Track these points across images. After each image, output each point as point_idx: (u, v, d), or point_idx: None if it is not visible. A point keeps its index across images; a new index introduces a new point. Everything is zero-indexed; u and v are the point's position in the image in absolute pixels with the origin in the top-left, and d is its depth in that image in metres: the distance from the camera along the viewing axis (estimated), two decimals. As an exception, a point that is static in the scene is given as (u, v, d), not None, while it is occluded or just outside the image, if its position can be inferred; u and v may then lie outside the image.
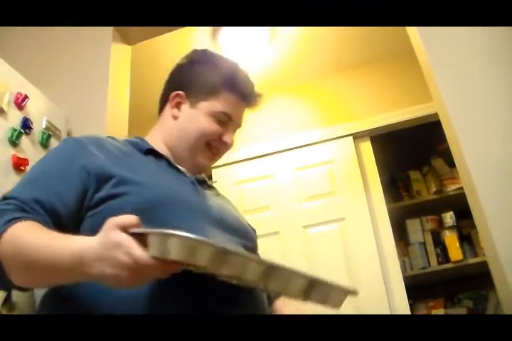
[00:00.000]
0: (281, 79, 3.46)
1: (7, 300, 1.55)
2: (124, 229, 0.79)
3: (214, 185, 1.41)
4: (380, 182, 3.06)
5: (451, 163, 3.16)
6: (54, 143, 2.01)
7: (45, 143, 1.94)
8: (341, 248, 2.90)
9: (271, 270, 0.82)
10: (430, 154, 3.44)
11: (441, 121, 1.98)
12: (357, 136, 3.19)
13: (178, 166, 1.27)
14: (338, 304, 0.93)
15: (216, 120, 1.30)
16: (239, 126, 1.38)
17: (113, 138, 1.28)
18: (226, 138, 1.32)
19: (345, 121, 3.23)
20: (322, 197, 3.08)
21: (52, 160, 1.13)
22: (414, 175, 3.44)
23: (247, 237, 1.23)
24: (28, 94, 1.89)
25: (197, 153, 1.30)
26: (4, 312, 1.51)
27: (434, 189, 3.27)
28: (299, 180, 3.17)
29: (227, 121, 1.32)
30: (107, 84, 2.26)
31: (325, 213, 3.04)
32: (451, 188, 3.17)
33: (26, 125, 1.85)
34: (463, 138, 1.78)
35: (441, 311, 3.07)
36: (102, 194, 1.06)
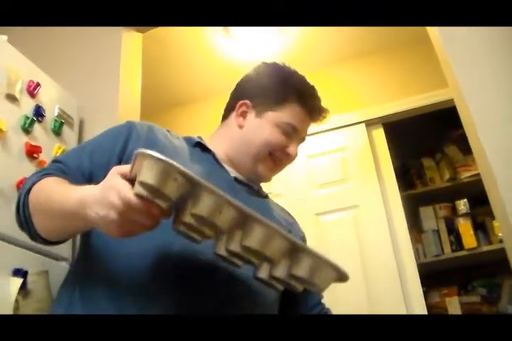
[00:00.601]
0: (293, 66, 3.43)
1: (23, 287, 1.56)
2: (124, 175, 0.84)
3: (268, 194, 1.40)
4: (392, 170, 3.04)
5: (464, 150, 3.14)
6: (66, 130, 2.01)
7: (57, 131, 1.94)
8: (354, 235, 2.89)
9: (246, 218, 0.83)
10: (443, 141, 3.41)
11: (457, 106, 1.96)
12: (369, 123, 3.16)
13: (223, 163, 1.27)
14: (324, 283, 0.87)
15: (282, 131, 1.28)
16: (303, 139, 1.36)
17: (169, 131, 1.28)
18: (290, 150, 1.30)
19: (358, 109, 3.21)
20: (335, 185, 3.06)
21: (103, 135, 1.21)
22: (428, 162, 3.42)
23: None
24: (40, 82, 1.89)
25: (259, 163, 1.29)
26: (20, 298, 1.52)
27: (447, 176, 3.24)
28: (311, 168, 3.15)
29: (292, 133, 1.30)
30: (118, 71, 2.25)
31: (338, 201, 3.02)
32: (464, 175, 3.14)
33: (39, 113, 1.85)
34: (479, 124, 1.75)
35: (455, 299, 3.06)
36: None
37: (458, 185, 3.18)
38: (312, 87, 1.38)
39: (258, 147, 1.28)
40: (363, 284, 2.71)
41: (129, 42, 2.42)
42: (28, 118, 1.78)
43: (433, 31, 2.03)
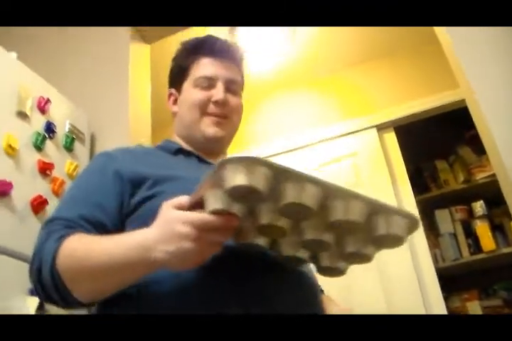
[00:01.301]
0: (302, 73, 3.43)
1: (40, 306, 1.54)
2: (178, 207, 0.82)
3: None
4: (406, 173, 3.01)
5: (478, 151, 3.10)
6: (78, 146, 2.00)
7: (69, 147, 1.93)
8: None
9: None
10: (456, 142, 3.37)
11: (469, 107, 1.94)
12: (381, 127, 3.14)
13: (208, 160, 1.25)
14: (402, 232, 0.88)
15: (201, 88, 1.26)
16: (234, 81, 1.30)
17: (141, 145, 1.29)
18: (215, 97, 1.24)
19: (368, 113, 3.18)
20: (348, 191, 3.03)
21: (87, 175, 1.14)
22: (441, 164, 3.38)
23: None
24: (50, 98, 1.89)
25: (199, 125, 1.25)
26: (38, 318, 1.50)
27: (462, 178, 3.20)
28: (324, 174, 3.13)
29: (212, 83, 1.26)
30: (127, 84, 2.25)
31: (352, 207, 2.99)
32: (480, 177, 3.10)
33: (50, 129, 1.85)
34: (493, 124, 1.73)
35: (476, 303, 3.01)
36: (137, 198, 1.05)
37: (473, 186, 3.14)
38: (200, 38, 1.34)
39: (188, 114, 1.26)
40: (381, 291, 2.68)
41: (137, 54, 2.42)
42: (39, 135, 1.78)
43: (442, 32, 2.01)
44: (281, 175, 0.79)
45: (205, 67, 1.27)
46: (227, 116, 1.27)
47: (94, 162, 1.18)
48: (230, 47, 1.33)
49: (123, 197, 1.05)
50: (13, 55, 1.87)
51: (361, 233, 0.89)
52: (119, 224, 1.04)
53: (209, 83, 1.26)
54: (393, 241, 0.89)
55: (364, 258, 0.96)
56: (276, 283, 0.97)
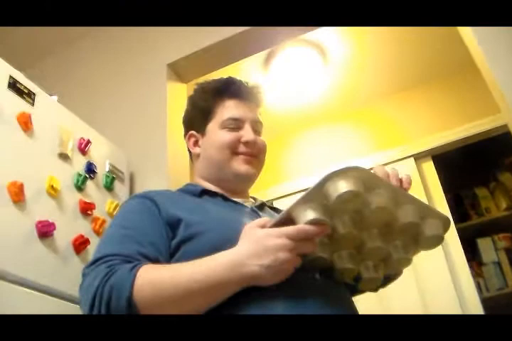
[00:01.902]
0: (336, 106, 3.44)
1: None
2: (262, 227, 0.90)
3: (275, 205, 1.42)
4: (446, 202, 2.97)
5: (520, 178, 3.05)
6: (118, 185, 2.04)
7: (109, 186, 1.98)
8: (411, 272, 2.81)
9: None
10: (496, 169, 3.32)
11: (512, 131, 1.91)
12: (418, 157, 3.11)
13: (234, 199, 1.27)
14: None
15: (228, 129, 1.29)
16: (258, 122, 1.35)
17: (169, 190, 1.33)
18: (245, 137, 1.28)
19: (405, 143, 3.17)
20: (388, 222, 3.00)
21: (131, 215, 1.14)
22: (481, 192, 3.32)
23: None
24: (90, 139, 1.94)
25: (229, 165, 1.28)
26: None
27: (504, 205, 3.14)
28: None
29: (240, 124, 1.30)
30: (165, 123, 2.29)
31: (391, 237, 2.96)
32: (523, 203, 3.04)
33: (90, 169, 1.89)
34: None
35: (523, 334, 2.91)
36: (177, 239, 1.07)
37: (516, 213, 3.08)
38: (225, 78, 1.38)
39: (218, 154, 1.29)
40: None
41: (174, 94, 2.47)
42: (80, 175, 1.82)
43: (478, 55, 1.99)
44: (372, 182, 0.92)
45: (231, 109, 1.32)
46: (256, 155, 1.32)
47: (133, 203, 1.19)
48: (252, 89, 1.37)
49: (168, 238, 1.07)
50: (54, 98, 1.93)
51: (406, 237, 1.01)
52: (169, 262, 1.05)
53: (237, 124, 1.30)
54: (435, 241, 1.01)
55: (406, 264, 1.05)
56: (326, 307, 0.98)
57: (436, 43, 3.02)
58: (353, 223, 0.94)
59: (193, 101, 1.41)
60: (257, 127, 1.34)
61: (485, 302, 2.72)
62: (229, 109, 1.32)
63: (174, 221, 1.08)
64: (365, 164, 3.13)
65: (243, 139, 1.28)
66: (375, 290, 1.15)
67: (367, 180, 0.91)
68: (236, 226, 1.06)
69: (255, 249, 0.87)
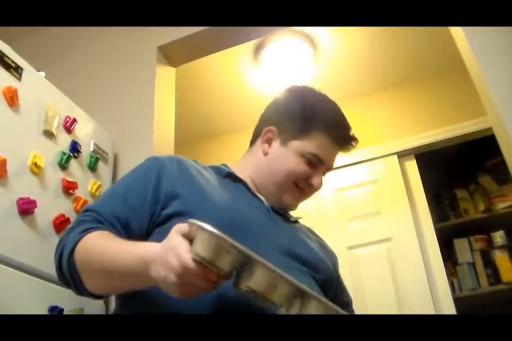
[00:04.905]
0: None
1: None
2: (185, 235, 0.83)
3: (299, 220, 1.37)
4: (426, 201, 2.99)
5: (499, 181, 3.09)
6: (101, 166, 2.02)
7: (93, 167, 1.95)
8: (388, 269, 2.83)
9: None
10: (476, 172, 3.35)
11: (496, 135, 1.92)
12: (401, 155, 3.14)
13: (256, 192, 1.26)
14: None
15: (306, 161, 1.25)
16: (329, 168, 1.32)
17: (196, 161, 1.28)
18: (314, 180, 1.27)
19: (390, 140, 3.19)
20: (367, 218, 3.03)
21: (132, 176, 1.19)
22: (461, 193, 3.36)
23: (317, 269, 1.19)
24: (76, 118, 1.90)
25: (284, 192, 1.27)
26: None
27: (482, 207, 3.18)
28: (343, 201, 3.12)
29: (317, 163, 1.26)
30: (152, 106, 2.27)
31: (370, 234, 2.98)
32: (500, 206, 3.08)
33: (75, 148, 1.86)
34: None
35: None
36: (168, 211, 1.08)
37: (493, 216, 3.11)
38: (341, 116, 1.33)
39: (282, 177, 1.26)
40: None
41: (163, 77, 2.44)
42: (64, 154, 1.79)
43: (469, 59, 2.00)
44: (250, 259, 0.80)
45: (324, 149, 1.27)
46: (310, 195, 1.32)
47: (143, 165, 1.21)
48: (351, 140, 1.32)
49: (156, 206, 1.09)
50: (42, 74, 1.89)
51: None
52: (144, 231, 1.09)
53: (316, 163, 1.26)
54: None
55: None
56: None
57: (425, 43, 3.03)
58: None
59: (300, 104, 1.32)
60: (327, 172, 1.33)
61: (457, 301, 2.75)
62: (321, 147, 1.26)
63: (173, 193, 1.10)
64: (351, 159, 3.16)
65: (311, 181, 1.26)
66: None
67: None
68: (238, 215, 1.08)
69: (161, 256, 0.83)
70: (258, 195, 1.26)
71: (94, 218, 1.06)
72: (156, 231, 1.09)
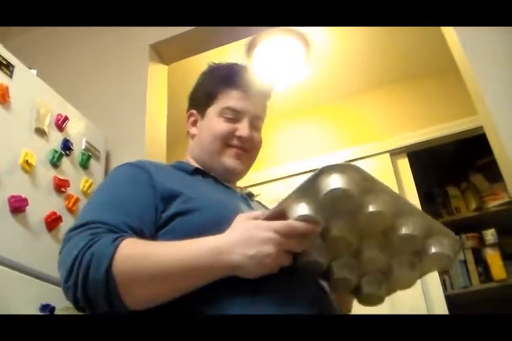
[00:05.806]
0: (315, 98, 3.45)
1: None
2: (255, 219, 0.90)
3: (258, 198, 1.40)
4: (418, 199, 3.00)
5: (491, 179, 3.10)
6: (93, 164, 2.01)
7: (84, 164, 1.94)
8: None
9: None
10: (468, 170, 3.36)
11: (487, 133, 1.93)
12: (394, 153, 3.14)
13: (225, 183, 1.26)
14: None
15: (226, 119, 1.27)
16: (259, 117, 1.32)
17: (163, 163, 1.29)
18: (240, 132, 1.26)
19: (382, 138, 3.19)
20: (360, 215, 3.02)
21: (121, 184, 1.10)
22: (453, 191, 3.36)
23: None
24: (68, 115, 1.90)
25: (221, 157, 1.26)
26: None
27: (473, 205, 3.18)
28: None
29: (238, 116, 1.27)
30: (144, 103, 2.27)
31: (362, 231, 2.98)
32: (492, 204, 3.09)
33: (67, 146, 1.86)
34: (510, 151, 1.72)
35: (485, 332, 2.96)
36: (169, 212, 1.04)
37: (485, 214, 3.11)
38: (236, 66, 1.35)
39: (210, 143, 1.27)
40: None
41: (155, 75, 2.44)
42: (56, 152, 1.79)
43: (461, 58, 2.01)
44: (369, 184, 0.88)
45: (234, 99, 1.28)
46: (248, 150, 1.29)
47: (125, 171, 1.14)
48: (262, 82, 1.34)
49: (157, 211, 1.05)
50: (33, 71, 1.89)
51: (410, 255, 0.95)
52: (153, 237, 1.02)
53: (235, 116, 1.27)
54: (442, 261, 0.94)
55: (407, 283, 1.00)
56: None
57: (420, 41, 3.04)
58: (349, 227, 0.90)
59: (201, 80, 1.38)
60: (255, 122, 1.31)
61: (449, 299, 2.76)
62: (232, 99, 1.28)
63: (171, 194, 1.06)
64: (344, 157, 3.17)
65: (237, 133, 1.26)
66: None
67: (363, 181, 0.87)
68: (232, 207, 1.07)
69: (241, 238, 0.87)
70: (227, 184, 1.26)
71: (106, 229, 0.95)
72: (160, 233, 1.03)
